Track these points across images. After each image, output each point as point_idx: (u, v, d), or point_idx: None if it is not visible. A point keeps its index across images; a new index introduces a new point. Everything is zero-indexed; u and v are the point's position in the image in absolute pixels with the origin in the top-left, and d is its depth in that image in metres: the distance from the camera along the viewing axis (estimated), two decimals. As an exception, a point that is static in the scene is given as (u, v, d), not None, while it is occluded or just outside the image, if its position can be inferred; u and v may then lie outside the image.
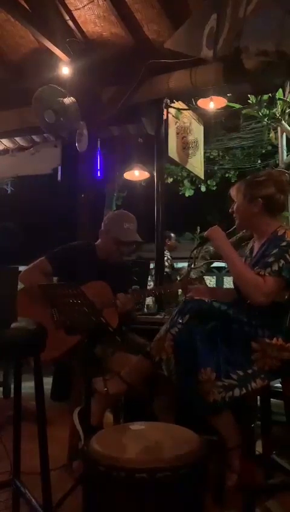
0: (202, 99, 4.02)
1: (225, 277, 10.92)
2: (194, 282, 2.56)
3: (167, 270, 5.09)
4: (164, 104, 3.98)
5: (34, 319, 1.58)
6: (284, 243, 1.91)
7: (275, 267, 1.87)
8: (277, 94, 3.75)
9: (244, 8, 2.55)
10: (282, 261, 1.87)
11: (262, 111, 3.89)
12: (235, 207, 2.09)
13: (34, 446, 1.52)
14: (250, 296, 1.92)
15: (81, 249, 2.66)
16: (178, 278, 3.46)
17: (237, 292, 2.14)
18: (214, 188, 7.18)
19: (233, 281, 2.22)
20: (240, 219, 2.09)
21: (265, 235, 2.03)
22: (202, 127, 4.77)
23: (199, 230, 5.91)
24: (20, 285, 2.37)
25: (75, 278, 2.35)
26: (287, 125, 3.98)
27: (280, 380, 2.03)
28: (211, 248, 4.21)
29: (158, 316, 3.06)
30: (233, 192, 2.13)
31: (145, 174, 5.09)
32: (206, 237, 2.10)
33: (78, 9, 3.61)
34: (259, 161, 7.01)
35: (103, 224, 2.66)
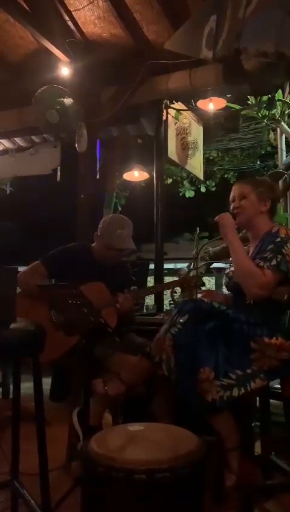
0: (201, 100, 4.03)
1: (224, 278, 10.90)
2: (190, 280, 2.57)
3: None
4: (163, 105, 3.99)
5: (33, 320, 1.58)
6: (278, 239, 1.97)
7: (274, 262, 1.91)
8: (276, 95, 3.76)
9: (243, 9, 2.54)
10: (279, 256, 1.92)
11: (261, 112, 3.90)
12: (243, 203, 2.12)
13: (32, 446, 1.52)
14: (247, 286, 1.95)
15: (76, 251, 2.65)
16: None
17: (234, 293, 2.14)
18: (214, 189, 7.19)
19: (226, 283, 2.23)
20: (245, 216, 2.11)
21: (260, 235, 2.09)
22: (201, 128, 4.77)
23: (198, 231, 5.91)
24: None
25: (71, 280, 2.34)
26: (286, 126, 3.99)
27: (279, 380, 2.04)
28: (211, 249, 4.22)
29: (157, 317, 3.06)
30: (239, 191, 2.15)
31: (145, 175, 5.09)
32: (215, 222, 2.11)
33: (78, 10, 3.61)
34: (258, 162, 7.03)
35: (98, 227, 2.65)
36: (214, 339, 1.86)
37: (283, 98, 3.81)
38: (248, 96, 3.84)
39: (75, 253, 2.61)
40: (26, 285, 2.38)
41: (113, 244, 2.50)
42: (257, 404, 2.19)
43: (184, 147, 4.41)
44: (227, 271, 2.27)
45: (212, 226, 2.12)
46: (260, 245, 2.05)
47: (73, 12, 3.66)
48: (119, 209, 6.18)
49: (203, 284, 2.61)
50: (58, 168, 4.94)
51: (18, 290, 2.41)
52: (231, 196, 2.19)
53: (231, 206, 2.17)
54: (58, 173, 4.94)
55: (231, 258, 2.12)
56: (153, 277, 4.21)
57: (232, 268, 2.18)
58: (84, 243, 2.80)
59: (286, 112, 3.91)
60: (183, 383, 1.86)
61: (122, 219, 2.62)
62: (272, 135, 4.36)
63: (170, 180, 6.76)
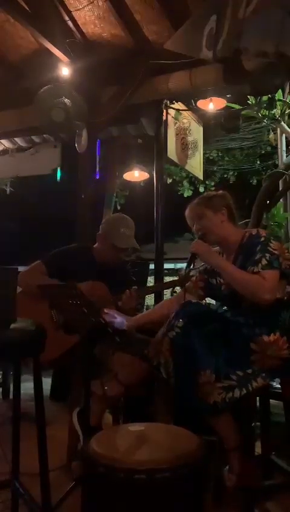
0: (201, 100, 4.03)
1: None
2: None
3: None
4: (163, 105, 3.98)
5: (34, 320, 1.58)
6: (262, 239, 1.97)
7: (264, 262, 1.90)
8: (276, 95, 3.76)
9: (244, 9, 2.54)
10: (267, 255, 1.91)
11: (262, 112, 3.89)
12: (203, 223, 2.11)
13: (33, 447, 1.52)
14: (255, 296, 1.90)
15: (77, 252, 2.66)
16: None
17: (229, 301, 2.12)
18: (213, 189, 7.19)
19: (218, 295, 2.22)
20: (212, 232, 2.11)
21: (235, 244, 2.07)
22: (201, 128, 4.77)
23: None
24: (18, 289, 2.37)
25: (71, 280, 2.35)
26: (286, 126, 3.98)
27: (279, 380, 2.04)
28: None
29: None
30: (194, 212, 2.15)
31: (145, 175, 5.09)
32: (192, 253, 2.10)
33: (78, 10, 3.61)
34: (258, 162, 7.02)
35: (100, 227, 2.65)
36: (213, 342, 1.86)
37: (283, 98, 3.81)
38: (248, 96, 3.83)
39: (76, 254, 2.62)
40: (26, 285, 2.38)
41: (117, 243, 2.51)
42: (257, 404, 2.19)
43: (184, 147, 4.41)
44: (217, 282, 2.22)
45: (192, 257, 2.10)
46: (245, 252, 2.01)
47: (73, 13, 3.66)
48: (118, 208, 6.18)
49: None
50: (59, 168, 4.93)
51: (19, 289, 2.41)
52: (188, 222, 2.19)
53: (194, 230, 2.16)
54: (58, 173, 4.94)
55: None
56: (153, 277, 4.21)
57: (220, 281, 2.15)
58: (85, 244, 2.81)
59: (286, 112, 3.90)
60: (183, 386, 1.86)
61: (125, 218, 2.63)
62: (272, 135, 4.35)
63: (169, 180, 6.76)
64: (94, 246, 2.66)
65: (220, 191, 2.27)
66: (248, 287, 1.92)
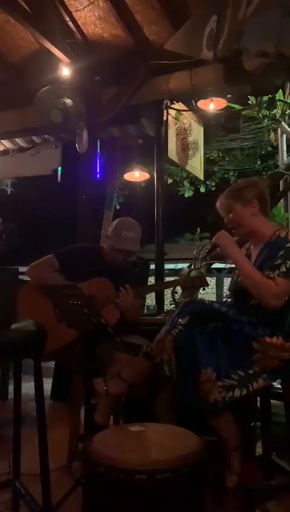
0: (202, 100, 4.03)
1: (225, 278, 10.95)
2: (195, 281, 2.56)
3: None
4: (164, 105, 3.98)
5: (37, 317, 1.58)
6: (288, 245, 1.93)
7: (283, 269, 1.88)
8: (277, 95, 3.76)
9: (244, 9, 2.55)
10: (288, 262, 1.88)
11: (262, 112, 3.89)
12: (232, 216, 2.07)
13: (33, 447, 1.52)
14: (262, 299, 1.90)
15: (88, 250, 2.71)
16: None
17: (237, 295, 2.12)
18: (213, 189, 7.19)
19: (230, 285, 2.22)
20: (242, 226, 2.06)
21: (264, 239, 2.04)
22: (201, 128, 4.77)
23: (198, 231, 5.90)
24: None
25: (80, 277, 2.37)
26: (287, 127, 3.98)
27: (280, 381, 2.04)
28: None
29: (159, 317, 3.05)
30: (223, 205, 2.11)
31: (145, 175, 5.09)
32: (214, 244, 2.08)
33: (79, 10, 3.62)
34: (259, 162, 7.03)
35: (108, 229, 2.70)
36: (215, 340, 1.86)
37: (284, 98, 3.81)
38: (249, 97, 3.83)
39: (86, 252, 2.67)
40: (37, 276, 2.44)
41: (115, 244, 2.54)
42: (258, 404, 2.19)
43: (184, 147, 4.41)
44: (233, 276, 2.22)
45: (214, 245, 2.08)
46: (268, 250, 2.00)
47: (73, 13, 3.67)
48: (118, 207, 6.18)
49: (207, 285, 2.59)
50: (59, 168, 4.94)
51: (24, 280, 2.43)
52: (220, 213, 2.14)
53: (225, 222, 2.12)
54: (59, 174, 4.94)
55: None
56: (153, 277, 4.21)
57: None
58: (96, 244, 2.85)
59: (287, 112, 3.90)
60: (184, 384, 1.86)
61: (130, 222, 2.66)
62: (272, 135, 4.35)
63: (170, 180, 6.76)
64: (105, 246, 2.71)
65: (253, 179, 2.20)
66: (258, 288, 1.91)
